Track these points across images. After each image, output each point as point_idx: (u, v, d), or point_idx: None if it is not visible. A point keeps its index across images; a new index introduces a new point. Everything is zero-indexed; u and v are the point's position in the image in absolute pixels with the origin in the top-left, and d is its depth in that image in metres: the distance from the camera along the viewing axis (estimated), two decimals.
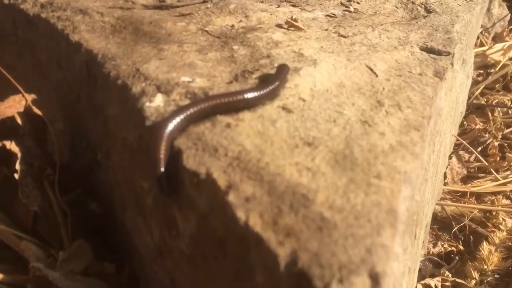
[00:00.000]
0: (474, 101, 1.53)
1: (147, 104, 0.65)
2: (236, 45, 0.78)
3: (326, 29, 0.87)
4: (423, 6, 1.02)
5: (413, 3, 1.04)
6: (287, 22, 0.86)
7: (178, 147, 0.57)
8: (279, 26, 0.86)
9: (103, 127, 0.78)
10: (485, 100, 1.54)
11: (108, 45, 0.81)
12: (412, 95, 0.68)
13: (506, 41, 1.64)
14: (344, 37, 0.83)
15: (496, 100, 1.52)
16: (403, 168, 0.52)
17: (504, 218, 1.15)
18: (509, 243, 1.06)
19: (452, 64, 0.81)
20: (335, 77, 0.69)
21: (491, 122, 1.42)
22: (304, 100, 0.64)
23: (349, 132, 0.58)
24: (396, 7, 1.04)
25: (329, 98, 0.65)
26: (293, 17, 0.86)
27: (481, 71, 1.63)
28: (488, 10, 1.64)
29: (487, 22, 1.66)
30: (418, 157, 0.55)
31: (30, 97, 0.84)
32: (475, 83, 1.55)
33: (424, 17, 0.96)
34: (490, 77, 1.56)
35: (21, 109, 0.83)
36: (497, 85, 1.55)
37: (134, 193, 0.68)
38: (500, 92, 1.54)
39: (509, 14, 1.64)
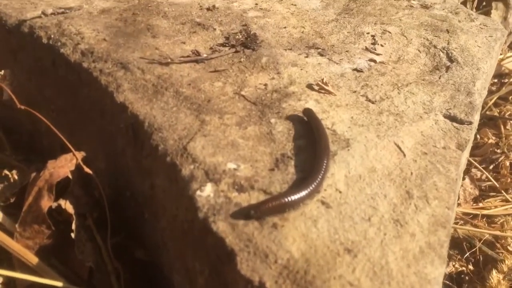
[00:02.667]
0: (488, 112, 1.59)
1: (198, 193, 0.72)
2: (273, 118, 0.84)
3: (355, 91, 0.92)
4: (445, 51, 1.07)
5: (435, 47, 1.09)
6: (318, 85, 0.91)
7: (231, 248, 0.64)
8: (311, 87, 0.92)
9: (151, 191, 0.85)
10: (498, 111, 1.59)
11: (152, 110, 0.87)
12: (438, 180, 0.74)
13: None
14: (372, 102, 0.89)
15: (509, 112, 1.58)
16: (432, 275, 0.60)
17: None
18: None
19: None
20: (367, 161, 0.76)
21: (504, 138, 1.48)
22: (340, 192, 0.71)
23: (384, 235, 0.65)
24: (419, 50, 1.08)
25: (363, 187, 0.72)
26: (324, 80, 0.91)
27: (495, 80, 1.68)
28: (505, 19, 1.66)
29: (505, 30, 1.68)
30: (445, 259, 0.63)
31: (80, 155, 0.91)
32: (489, 93, 1.60)
33: (447, 68, 1.01)
34: (504, 87, 1.61)
35: (73, 168, 0.90)
36: (510, 97, 1.60)
37: (185, 266, 0.76)
38: (502, 102, 1.59)
39: None
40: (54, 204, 0.88)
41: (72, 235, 0.86)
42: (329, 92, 0.90)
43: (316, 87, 0.91)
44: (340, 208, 0.69)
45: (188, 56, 1.00)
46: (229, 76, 0.95)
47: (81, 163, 0.90)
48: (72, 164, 0.90)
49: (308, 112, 0.83)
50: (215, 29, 1.12)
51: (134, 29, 1.12)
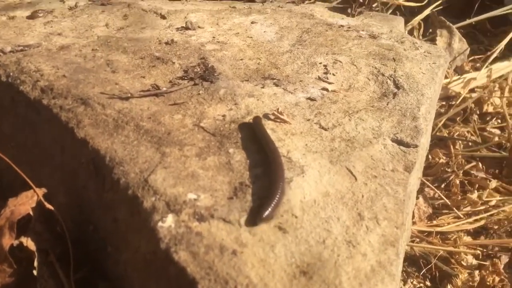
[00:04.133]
0: (438, 133, 1.67)
1: (160, 224, 0.74)
2: (231, 148, 0.87)
3: (309, 119, 0.97)
4: (392, 79, 1.13)
5: (383, 75, 1.15)
6: (274, 115, 0.95)
7: (193, 277, 0.67)
8: (267, 117, 0.96)
9: (113, 224, 0.87)
10: (447, 132, 1.68)
11: (113, 145, 0.90)
12: (387, 201, 0.79)
13: (466, 73, 1.77)
14: (325, 129, 0.94)
15: (458, 132, 1.66)
16: None
17: (466, 255, 1.29)
18: (470, 283, 1.21)
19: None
20: (321, 186, 0.80)
21: (453, 157, 1.56)
22: (296, 217, 0.75)
23: (337, 256, 0.69)
24: (368, 78, 1.14)
25: (318, 211, 0.76)
26: (279, 110, 0.96)
27: (444, 103, 1.77)
28: (449, 45, 1.77)
29: (448, 56, 1.78)
30: (395, 277, 0.67)
31: (41, 191, 0.92)
32: (438, 115, 1.68)
33: (394, 94, 1.07)
34: (451, 109, 1.70)
35: (34, 204, 0.91)
36: (457, 118, 1.69)
37: None
38: (461, 125, 1.68)
39: (469, 49, 1.77)
40: (16, 242, 0.88)
41: (35, 272, 0.87)
42: (285, 121, 0.95)
43: (272, 117, 0.96)
44: (296, 233, 0.72)
45: (148, 90, 1.03)
46: (188, 108, 0.99)
47: (42, 200, 0.91)
48: (33, 200, 0.91)
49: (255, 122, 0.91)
50: (174, 63, 1.16)
51: (93, 64, 1.15)
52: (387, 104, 1.04)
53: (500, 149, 1.60)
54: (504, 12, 1.81)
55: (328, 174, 0.83)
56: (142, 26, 1.38)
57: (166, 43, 1.25)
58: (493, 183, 1.46)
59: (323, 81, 1.12)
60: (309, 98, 1.04)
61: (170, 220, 0.74)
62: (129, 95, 1.00)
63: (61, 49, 1.23)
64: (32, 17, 1.47)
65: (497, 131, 1.68)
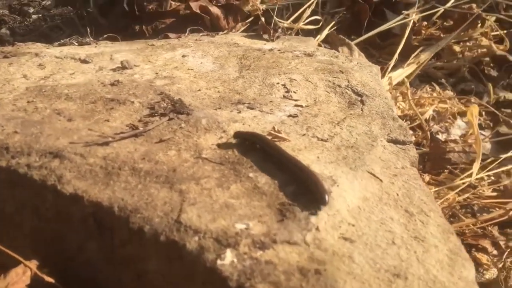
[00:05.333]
0: None
1: (219, 262, 0.67)
2: (250, 173, 0.82)
3: (304, 134, 0.96)
4: (350, 88, 1.18)
5: (339, 86, 1.19)
6: (271, 134, 0.93)
7: None
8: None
9: (138, 281, 0.76)
10: None
11: (116, 193, 0.79)
12: (420, 195, 0.81)
13: None
14: (325, 141, 0.94)
15: None
16: (470, 277, 0.65)
17: None
18: None
19: None
20: (357, 192, 0.79)
21: None
22: (353, 225, 0.73)
23: (414, 253, 0.68)
24: (327, 92, 1.17)
25: (368, 216, 0.75)
26: (276, 128, 0.93)
27: None
28: (350, 61, 1.89)
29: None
30: (469, 260, 0.68)
31: (33, 264, 0.77)
32: None
33: (361, 101, 1.12)
34: None
35: (28, 281, 0.76)
36: None
37: None
38: None
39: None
40: None
41: None
42: (284, 139, 0.93)
43: (270, 136, 0.93)
44: (363, 239, 0.70)
45: (123, 132, 0.94)
46: (178, 143, 0.91)
47: (38, 273, 0.77)
48: (27, 276, 0.76)
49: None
50: (133, 102, 1.07)
51: (41, 116, 1.01)
52: (362, 111, 1.07)
53: (419, 146, 1.74)
54: (389, 27, 2.00)
55: (356, 180, 0.82)
56: (70, 72, 1.26)
57: (112, 84, 1.15)
58: (426, 177, 1.58)
59: (289, 99, 1.12)
60: (291, 116, 1.03)
61: (229, 255, 0.67)
62: (109, 139, 0.90)
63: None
64: None
65: (410, 131, 1.83)
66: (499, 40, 2.20)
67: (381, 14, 2.07)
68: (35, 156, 0.88)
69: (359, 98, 1.13)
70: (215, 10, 1.69)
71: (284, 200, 0.76)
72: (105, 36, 1.78)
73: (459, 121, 1.76)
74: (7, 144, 0.90)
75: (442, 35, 2.22)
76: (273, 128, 0.94)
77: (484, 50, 2.17)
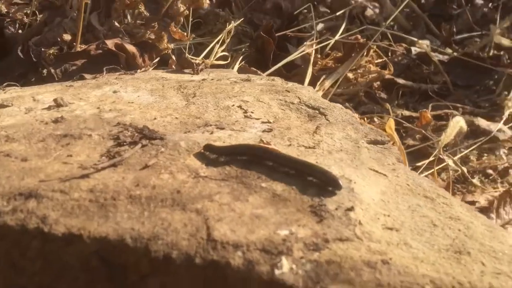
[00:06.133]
0: None
1: (277, 271, 0.60)
2: (263, 183, 0.77)
3: (290, 144, 0.93)
4: (303, 104, 1.19)
5: (292, 103, 1.19)
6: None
7: None
8: None
9: None
10: None
11: (121, 224, 0.69)
12: (426, 182, 0.83)
13: None
14: (313, 148, 0.92)
15: None
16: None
17: None
18: None
19: None
20: (373, 187, 0.79)
21: None
22: (388, 216, 0.71)
23: (458, 230, 0.68)
24: (283, 109, 1.17)
25: (397, 206, 0.74)
26: (264, 140, 0.90)
27: None
28: None
29: None
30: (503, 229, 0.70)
31: None
32: None
33: (321, 113, 1.12)
34: None
35: None
36: None
37: None
38: None
39: None
40: None
41: None
42: (273, 149, 0.89)
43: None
44: (406, 226, 0.69)
45: (101, 162, 0.83)
46: (166, 166, 0.83)
47: None
48: None
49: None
50: (90, 135, 0.96)
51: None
52: (328, 120, 1.08)
53: None
54: (293, 58, 2.09)
55: (364, 177, 0.81)
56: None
57: (55, 121, 1.02)
58: None
59: (252, 118, 1.09)
60: (265, 131, 1.00)
61: (286, 263, 0.61)
62: (91, 170, 0.79)
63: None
64: None
65: None
66: (383, 66, 2.42)
67: (283, 47, 2.16)
68: (3, 200, 0.74)
69: (317, 111, 1.14)
70: (131, 48, 1.61)
71: (312, 202, 0.73)
72: (4, 84, 1.60)
73: None
74: None
75: (334, 65, 2.37)
76: (261, 140, 0.90)
77: (375, 75, 2.36)
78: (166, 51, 1.85)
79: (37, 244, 0.69)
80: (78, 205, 0.73)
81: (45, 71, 1.57)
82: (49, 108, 1.13)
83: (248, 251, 0.63)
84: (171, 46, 1.87)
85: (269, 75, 2.05)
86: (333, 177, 0.76)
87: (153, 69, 1.77)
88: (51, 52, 1.72)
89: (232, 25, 2.03)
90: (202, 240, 0.65)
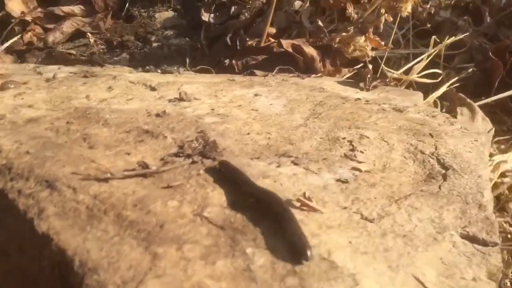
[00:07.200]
0: None
1: None
2: (249, 247, 0.63)
3: (345, 207, 0.74)
4: (435, 157, 0.93)
5: (422, 152, 0.95)
6: (299, 201, 0.73)
7: None
8: (290, 204, 0.73)
9: None
10: None
11: (86, 242, 0.65)
12: None
13: (492, 156, 1.58)
14: (370, 221, 0.71)
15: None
16: None
17: None
18: None
19: None
20: None
21: None
22: None
23: None
24: (405, 157, 0.93)
25: None
26: (306, 195, 0.73)
27: None
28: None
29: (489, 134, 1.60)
30: None
31: None
32: None
33: (443, 176, 0.86)
34: None
35: None
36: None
37: None
38: (497, 214, 1.46)
39: (493, 128, 1.59)
40: None
41: None
42: (315, 209, 0.72)
43: (297, 204, 0.73)
44: None
45: (133, 170, 0.80)
46: (186, 193, 0.75)
47: None
48: None
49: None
50: (166, 137, 0.94)
51: (67, 139, 0.92)
52: (440, 188, 0.82)
53: None
54: None
55: (391, 287, 0.58)
56: (129, 98, 1.18)
57: (157, 115, 1.04)
58: None
59: (351, 159, 0.91)
60: (340, 180, 0.82)
61: None
62: (109, 175, 0.77)
63: (29, 122, 1.01)
64: (1, 88, 1.26)
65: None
66: None
67: None
68: (32, 181, 0.78)
69: (443, 172, 0.88)
70: (310, 50, 1.53)
71: None
72: (198, 67, 1.72)
73: None
74: (12, 165, 0.82)
75: None
76: (303, 194, 0.73)
77: None
78: (365, 59, 1.70)
79: (28, 231, 0.71)
80: (75, 208, 0.72)
81: (227, 61, 1.62)
82: (171, 100, 1.15)
83: None
84: (372, 54, 1.70)
85: (488, 106, 1.70)
86: (302, 245, 0.62)
87: (348, 77, 1.64)
88: (251, 43, 1.77)
89: (452, 39, 1.74)
90: None
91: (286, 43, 1.53)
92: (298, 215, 0.70)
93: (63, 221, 0.70)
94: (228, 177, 0.78)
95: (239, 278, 0.58)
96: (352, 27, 1.63)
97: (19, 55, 2.21)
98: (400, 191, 0.80)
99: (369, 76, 1.41)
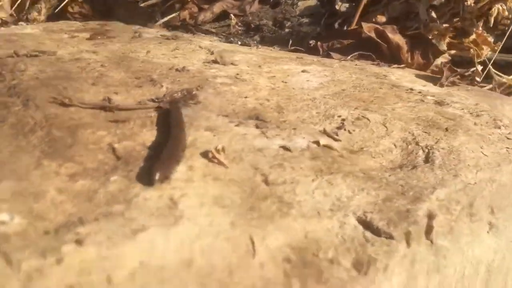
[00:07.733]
0: None
1: None
2: (118, 176, 0.63)
3: (257, 168, 0.68)
4: (427, 150, 0.79)
5: (417, 144, 0.81)
6: (211, 153, 0.69)
7: None
8: (206, 155, 0.70)
9: None
10: None
11: (7, 148, 0.72)
12: None
13: None
14: (267, 184, 0.64)
15: None
16: None
17: None
18: None
19: None
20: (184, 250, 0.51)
21: None
22: None
23: None
24: (395, 145, 0.82)
25: None
26: (219, 147, 0.70)
27: None
28: None
29: None
30: None
31: None
32: None
33: (413, 167, 0.73)
34: None
35: None
36: None
37: None
38: None
39: None
40: None
41: None
42: (221, 163, 0.68)
43: (210, 155, 0.70)
44: None
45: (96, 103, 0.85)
46: (122, 128, 0.78)
47: None
48: None
49: None
50: (162, 86, 0.97)
51: (82, 75, 1.02)
52: (389, 176, 0.70)
53: None
54: None
55: (208, 237, 0.53)
56: (178, 56, 1.23)
57: (177, 70, 1.08)
58: None
59: (328, 135, 0.82)
60: (283, 147, 0.75)
61: None
62: (67, 101, 0.83)
63: (71, 60, 1.13)
64: (90, 38, 1.43)
65: None
66: None
67: None
68: (20, 99, 0.88)
69: (420, 163, 0.75)
70: (396, 38, 1.40)
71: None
72: (292, 48, 1.71)
73: None
74: (16, 85, 0.94)
75: None
76: (217, 146, 0.70)
77: None
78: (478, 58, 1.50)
79: None
80: (27, 122, 0.79)
81: (312, 42, 1.57)
82: (205, 61, 1.18)
83: None
84: (487, 54, 1.49)
85: None
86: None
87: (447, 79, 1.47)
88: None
89: None
90: None
91: (368, 27, 1.42)
92: (200, 164, 0.68)
93: (11, 130, 0.78)
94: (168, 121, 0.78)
95: (82, 196, 0.59)
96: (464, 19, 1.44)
97: (173, 30, 2.45)
98: (338, 169, 0.71)
99: (448, 72, 1.24)
